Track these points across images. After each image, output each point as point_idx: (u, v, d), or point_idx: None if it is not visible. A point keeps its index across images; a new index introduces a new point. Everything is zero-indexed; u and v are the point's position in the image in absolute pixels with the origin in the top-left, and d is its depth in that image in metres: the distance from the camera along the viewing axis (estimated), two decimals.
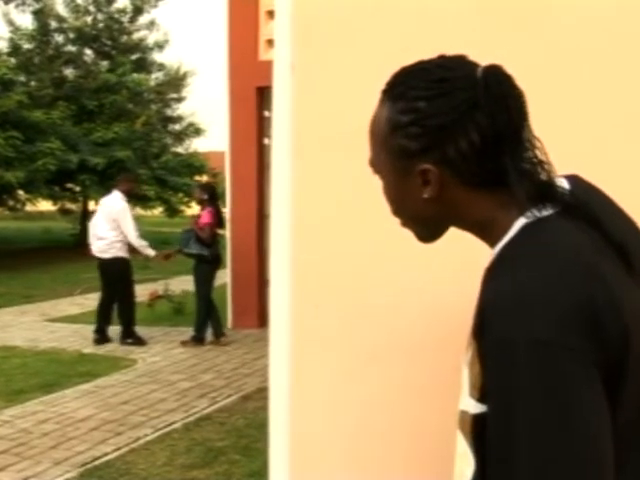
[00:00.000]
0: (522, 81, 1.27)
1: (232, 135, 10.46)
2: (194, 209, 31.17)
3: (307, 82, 2.45)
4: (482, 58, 1.29)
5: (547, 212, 1.20)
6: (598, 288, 1.12)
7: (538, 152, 1.23)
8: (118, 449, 5.70)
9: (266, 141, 10.74)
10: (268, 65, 9.58)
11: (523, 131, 1.22)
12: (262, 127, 10.52)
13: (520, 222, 1.22)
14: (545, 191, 1.21)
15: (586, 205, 1.21)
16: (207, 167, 27.55)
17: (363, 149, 1.50)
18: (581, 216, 1.20)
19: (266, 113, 10.64)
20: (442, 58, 1.30)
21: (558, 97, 2.04)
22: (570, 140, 1.96)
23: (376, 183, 1.42)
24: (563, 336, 1.08)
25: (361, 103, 2.41)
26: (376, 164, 1.37)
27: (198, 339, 9.48)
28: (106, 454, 5.60)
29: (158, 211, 28.52)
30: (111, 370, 8.27)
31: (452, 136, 1.21)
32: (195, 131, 27.93)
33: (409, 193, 1.30)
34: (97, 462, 5.42)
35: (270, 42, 9.89)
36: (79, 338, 10.11)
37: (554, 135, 1.44)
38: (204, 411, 6.69)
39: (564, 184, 1.28)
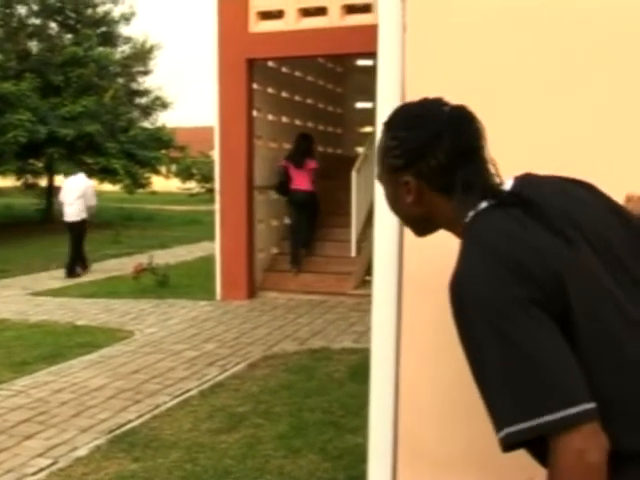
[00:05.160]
0: None
1: (221, 107, 10.39)
2: (155, 184, 30.84)
3: (418, 42, 2.52)
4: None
5: (484, 205, 1.63)
6: (519, 246, 1.50)
7: (491, 166, 1.71)
8: (141, 416, 5.75)
9: (255, 113, 10.73)
10: (258, 37, 9.67)
11: (477, 153, 1.69)
12: (252, 99, 10.50)
13: (467, 219, 1.65)
14: (489, 192, 1.64)
15: (523, 197, 1.60)
16: (174, 141, 27.26)
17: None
18: (516, 205, 1.58)
19: (255, 85, 10.63)
20: (423, 100, 1.79)
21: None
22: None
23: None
24: (498, 291, 1.45)
25: (475, 65, 2.49)
26: (379, 178, 1.86)
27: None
28: (130, 421, 5.64)
29: (118, 187, 28.19)
30: (111, 341, 8.29)
31: (423, 156, 1.69)
32: (162, 105, 27.66)
33: (399, 198, 1.78)
34: (123, 429, 5.47)
35: (260, 14, 9.86)
36: (68, 311, 10.08)
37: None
38: (216, 378, 6.76)
39: (508, 185, 1.69)
